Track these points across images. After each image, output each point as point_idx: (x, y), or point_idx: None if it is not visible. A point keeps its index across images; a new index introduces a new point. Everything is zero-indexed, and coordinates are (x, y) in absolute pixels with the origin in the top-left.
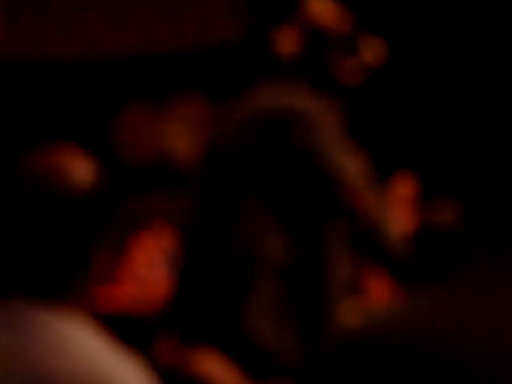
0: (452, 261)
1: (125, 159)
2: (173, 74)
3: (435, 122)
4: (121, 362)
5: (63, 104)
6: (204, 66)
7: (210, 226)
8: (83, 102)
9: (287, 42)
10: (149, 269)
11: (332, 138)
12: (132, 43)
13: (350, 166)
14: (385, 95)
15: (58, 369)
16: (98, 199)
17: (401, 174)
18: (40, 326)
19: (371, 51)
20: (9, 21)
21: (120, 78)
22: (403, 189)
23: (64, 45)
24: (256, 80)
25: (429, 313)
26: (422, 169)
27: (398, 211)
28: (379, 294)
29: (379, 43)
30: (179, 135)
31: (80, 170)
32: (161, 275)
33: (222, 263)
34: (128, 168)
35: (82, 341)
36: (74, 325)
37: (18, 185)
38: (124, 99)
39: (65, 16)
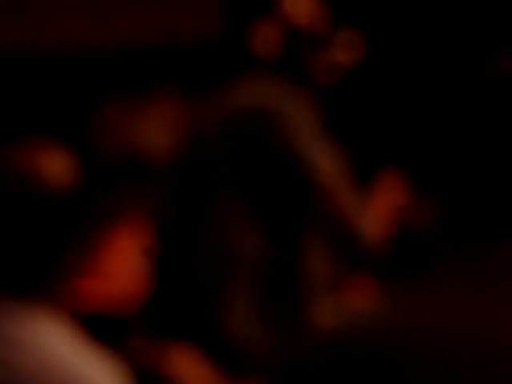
0: (431, 261)
1: (100, 154)
2: (149, 70)
3: (417, 119)
4: (93, 362)
5: (38, 98)
6: (180, 62)
7: (187, 225)
8: (58, 97)
9: (263, 39)
10: (124, 265)
11: (308, 137)
12: (108, 38)
13: (326, 165)
14: (365, 92)
15: (30, 368)
16: (73, 196)
17: (383, 173)
18: (16, 325)
19: (350, 47)
20: None
21: (96, 73)
22: (385, 188)
23: (39, 38)
24: (233, 76)
25: (408, 313)
26: (402, 167)
27: (377, 211)
28: (360, 293)
29: (359, 38)
30: (156, 131)
31: (54, 166)
32: (136, 271)
33: (199, 262)
34: (103, 162)
35: (55, 340)
36: (48, 323)
37: None
38: (100, 94)
39: (40, 9)
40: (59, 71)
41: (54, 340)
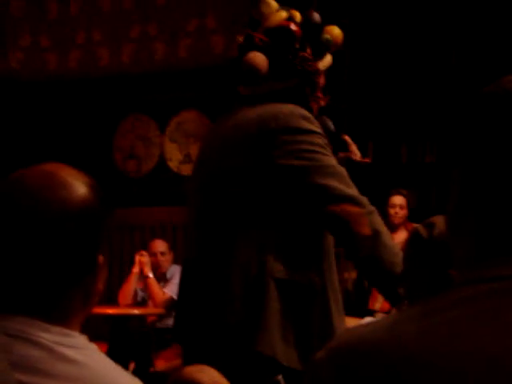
0: (443, 276)
1: (122, 173)
2: (169, 90)
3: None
4: (120, 377)
5: (61, 120)
6: (199, 82)
7: (207, 244)
8: (82, 117)
9: (255, 54)
10: (144, 282)
11: (316, 149)
12: (128, 60)
13: (338, 178)
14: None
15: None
16: (96, 214)
17: (395, 189)
18: (33, 345)
19: (332, 35)
20: (6, 37)
21: (118, 94)
22: (398, 204)
23: (62, 62)
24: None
25: (414, 328)
26: (416, 185)
27: (392, 227)
28: (385, 306)
29: (337, 27)
30: (177, 150)
31: (77, 185)
32: (155, 289)
33: (223, 283)
34: (125, 181)
35: (76, 361)
36: (71, 343)
37: (14, 201)
38: (122, 114)
39: (62, 33)
40: (83, 92)
41: (75, 362)
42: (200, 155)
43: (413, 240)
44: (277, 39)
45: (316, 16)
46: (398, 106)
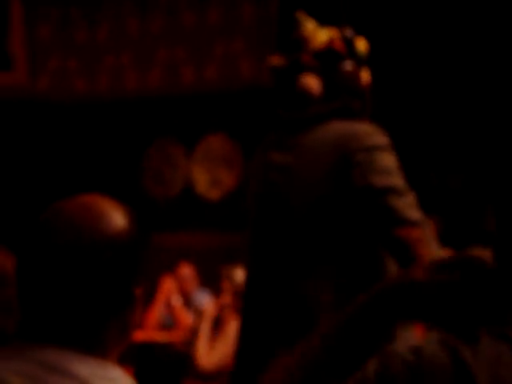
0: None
1: (150, 197)
2: (196, 114)
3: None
4: None
5: (89, 143)
6: (227, 106)
7: (279, 281)
8: (110, 141)
9: (308, 77)
10: (170, 307)
11: (390, 168)
12: (157, 84)
13: (407, 201)
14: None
15: None
16: (134, 245)
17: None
18: (69, 377)
19: (365, 50)
20: (34, 60)
21: (146, 118)
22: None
23: (91, 85)
24: (280, 120)
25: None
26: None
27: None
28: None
29: (363, 39)
30: (205, 174)
31: (116, 216)
32: (181, 314)
33: (298, 323)
34: (152, 206)
35: None
36: (107, 375)
37: (54, 231)
38: (150, 138)
39: (90, 56)
40: (111, 117)
41: None
42: (258, 187)
43: None
44: (327, 60)
45: (349, 31)
46: (428, 130)
